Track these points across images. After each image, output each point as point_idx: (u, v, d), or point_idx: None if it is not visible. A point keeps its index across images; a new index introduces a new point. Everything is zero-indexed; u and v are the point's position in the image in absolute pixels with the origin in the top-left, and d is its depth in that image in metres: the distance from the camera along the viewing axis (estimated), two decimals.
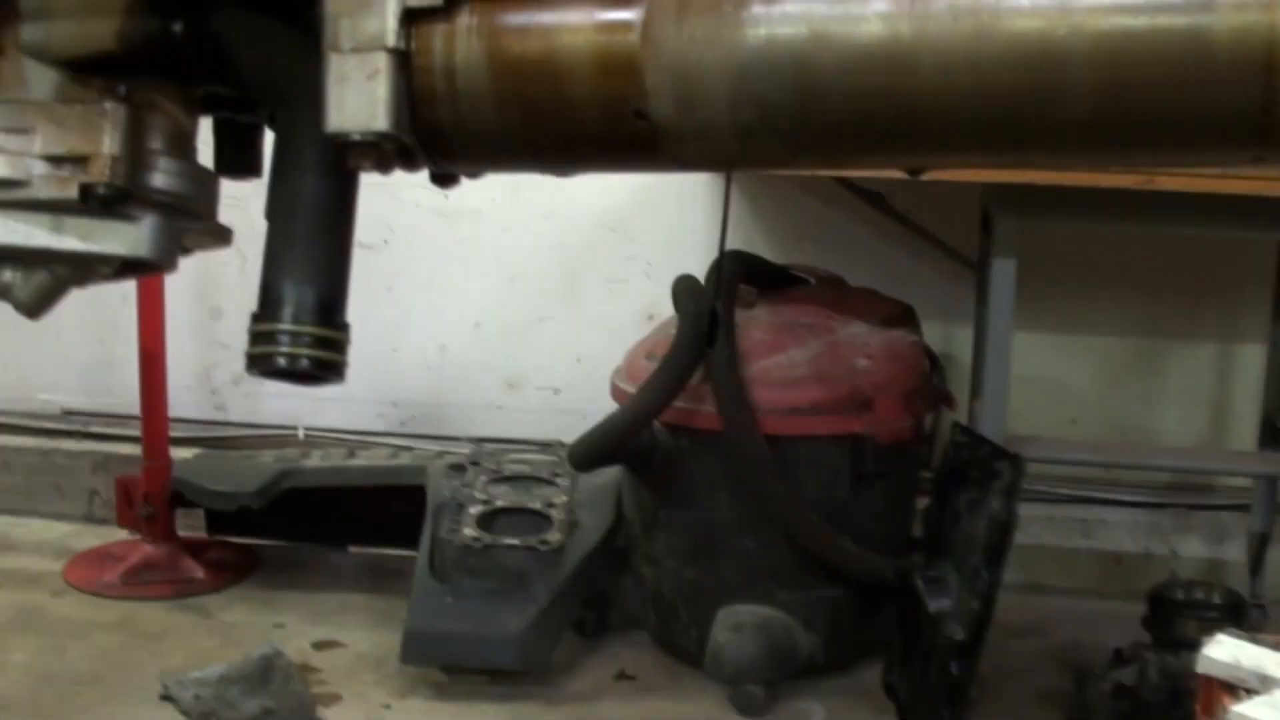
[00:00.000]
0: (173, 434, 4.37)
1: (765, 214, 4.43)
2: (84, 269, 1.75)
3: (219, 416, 4.87)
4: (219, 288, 4.70)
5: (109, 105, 1.70)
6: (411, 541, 3.84)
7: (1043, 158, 1.67)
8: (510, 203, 4.54)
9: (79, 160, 1.68)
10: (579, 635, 3.89)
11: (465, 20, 1.59)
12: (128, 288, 4.33)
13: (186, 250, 1.83)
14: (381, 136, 1.58)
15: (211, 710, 3.37)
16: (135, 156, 1.70)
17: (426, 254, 4.66)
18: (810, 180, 4.21)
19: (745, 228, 4.33)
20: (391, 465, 4.26)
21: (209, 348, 4.80)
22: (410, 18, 1.58)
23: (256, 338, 1.67)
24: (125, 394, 4.59)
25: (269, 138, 1.89)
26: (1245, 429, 4.30)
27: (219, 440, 4.79)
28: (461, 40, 1.59)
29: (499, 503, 3.85)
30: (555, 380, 4.67)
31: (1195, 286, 4.36)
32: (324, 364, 1.67)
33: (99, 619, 3.98)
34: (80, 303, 1.83)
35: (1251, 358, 4.30)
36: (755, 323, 3.67)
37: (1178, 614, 3.38)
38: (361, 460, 4.32)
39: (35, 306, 1.77)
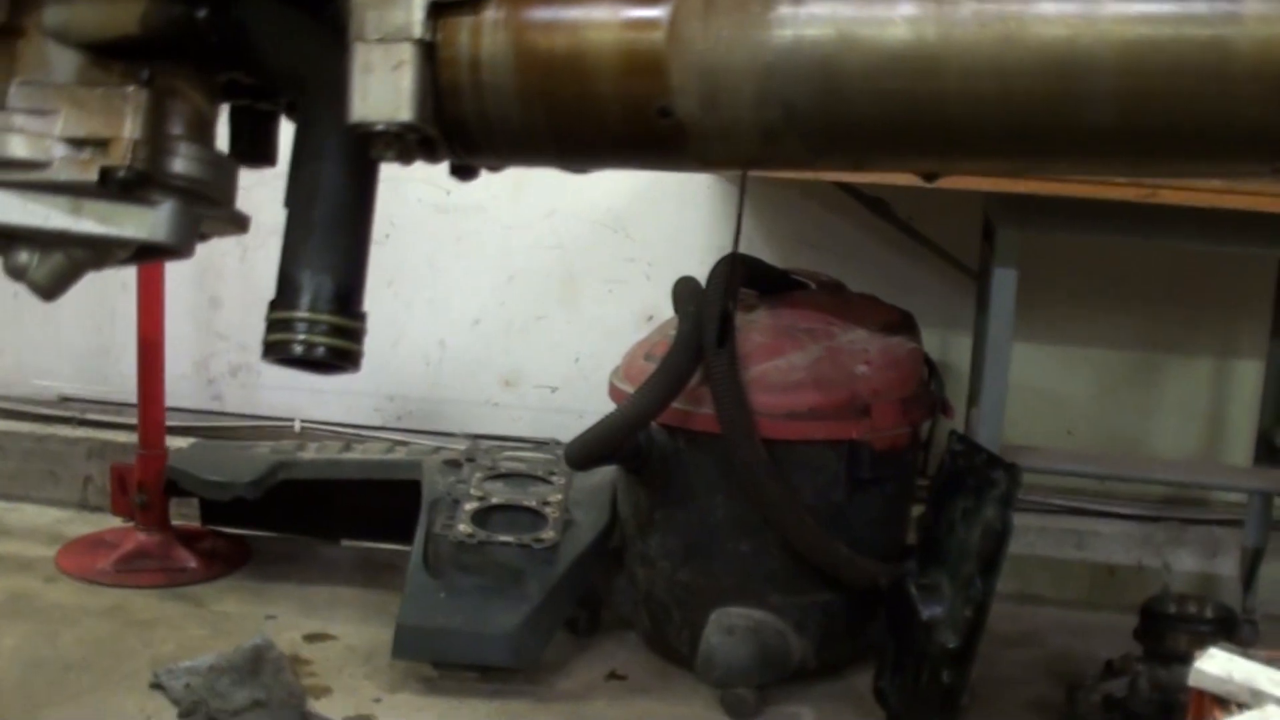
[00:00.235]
0: (169, 423, 4.36)
1: (767, 218, 4.44)
2: (101, 252, 1.75)
3: (216, 406, 4.86)
4: (219, 277, 4.69)
5: (131, 89, 1.70)
6: (405, 536, 3.84)
7: (1064, 165, 1.68)
8: (512, 201, 4.54)
9: (100, 143, 1.68)
10: (571, 634, 3.89)
11: (491, 14, 1.60)
12: (127, 275, 4.33)
13: (204, 236, 1.83)
14: (405, 127, 1.58)
15: (201, 700, 3.37)
16: (156, 141, 1.70)
17: (427, 250, 4.66)
18: (812, 185, 4.21)
19: (747, 231, 4.30)
20: (387, 460, 4.26)
21: (207, 337, 4.79)
22: (437, 10, 1.59)
23: (273, 325, 1.67)
24: (122, 382, 4.59)
25: (286, 127, 1.89)
26: (1241, 444, 4.31)
27: (215, 430, 4.78)
28: (487, 34, 1.59)
29: (494, 499, 3.85)
30: (553, 379, 4.67)
31: (1194, 301, 4.37)
32: (340, 352, 1.68)
33: (91, 606, 3.97)
34: (79, 290, 1.82)
35: (1249, 373, 4.32)
36: (755, 326, 3.68)
37: (1169, 627, 3.39)
38: (357, 454, 4.31)
39: (51, 289, 1.77)
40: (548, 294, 4.65)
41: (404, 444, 4.55)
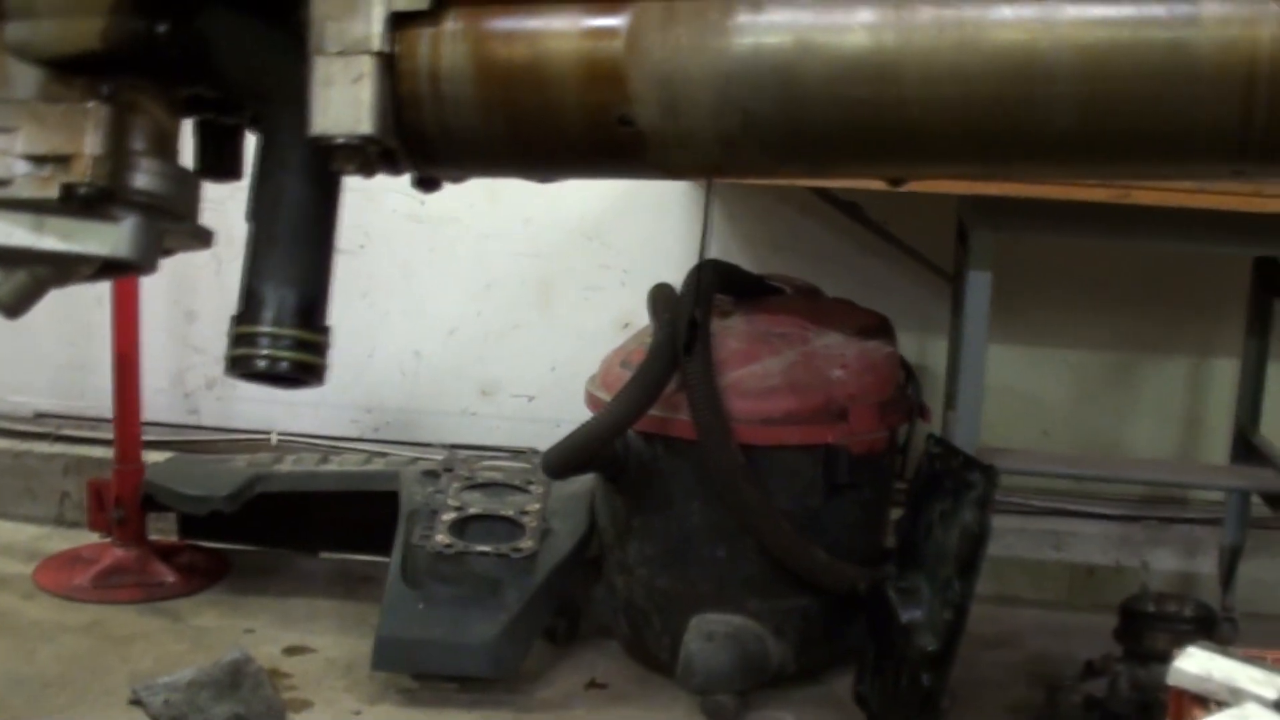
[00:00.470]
0: (145, 437, 4.36)
1: (742, 223, 4.44)
2: (64, 269, 1.74)
3: (192, 420, 4.85)
4: (194, 291, 4.69)
5: (92, 105, 1.69)
6: (383, 547, 3.83)
7: (1026, 168, 1.67)
8: (487, 209, 4.53)
9: (61, 160, 1.67)
10: (550, 643, 3.89)
11: (451, 25, 1.59)
12: (102, 290, 4.32)
13: (168, 251, 1.82)
14: (365, 140, 1.57)
15: (181, 715, 3.36)
16: (118, 157, 1.69)
17: (403, 259, 4.65)
18: (786, 190, 4.21)
19: (722, 237, 4.34)
20: (364, 471, 4.25)
21: (183, 351, 4.78)
22: (396, 22, 1.58)
23: (237, 340, 1.66)
24: (98, 397, 4.58)
25: (250, 141, 1.89)
26: (1218, 443, 4.32)
27: (192, 444, 4.77)
28: (447, 45, 1.59)
29: (472, 510, 3.85)
30: (530, 388, 4.67)
31: (1170, 301, 4.39)
32: (304, 367, 1.67)
33: (69, 622, 3.96)
34: (54, 305, 1.82)
35: (1225, 372, 4.32)
36: (731, 332, 3.68)
37: (1149, 626, 3.40)
38: (334, 466, 4.31)
39: (14, 306, 1.76)
40: (524, 302, 4.64)
41: (381, 455, 4.55)
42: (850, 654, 3.68)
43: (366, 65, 1.57)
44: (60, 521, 4.69)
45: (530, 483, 3.99)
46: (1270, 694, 2.27)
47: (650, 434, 3.63)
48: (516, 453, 4.34)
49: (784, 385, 3.60)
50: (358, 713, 3.56)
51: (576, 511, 3.91)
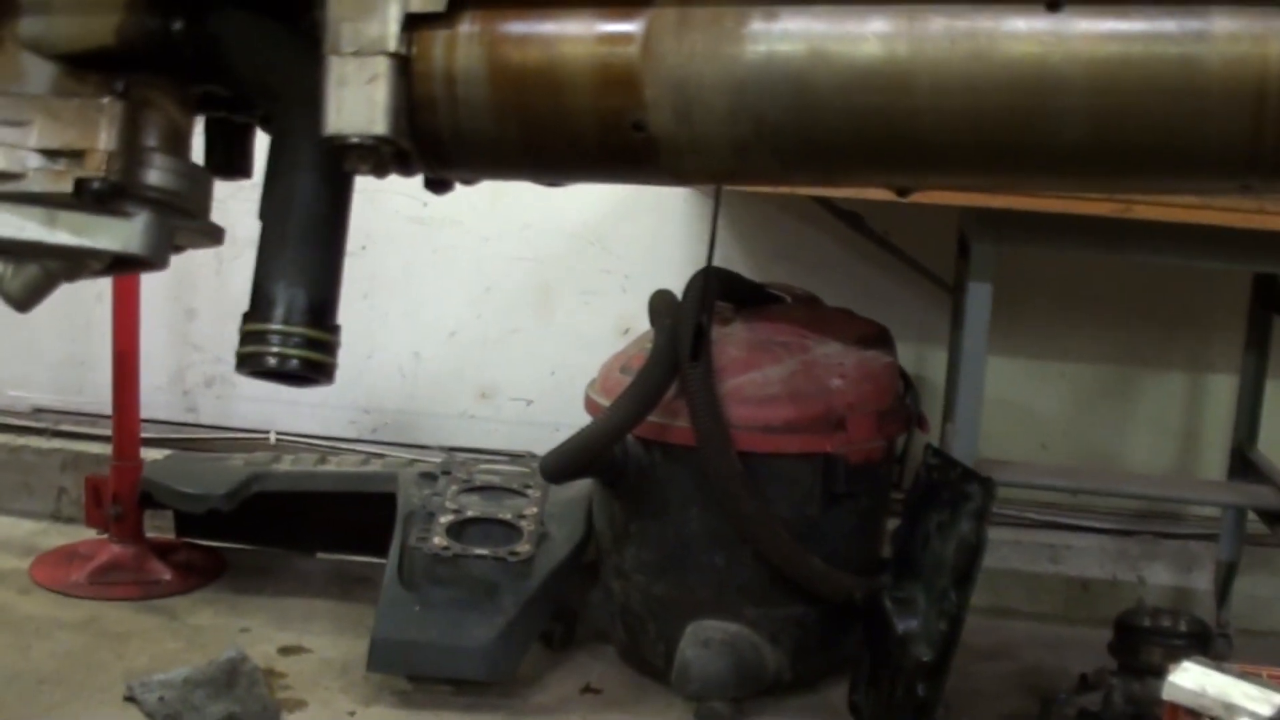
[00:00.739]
0: (144, 434, 4.35)
1: (743, 232, 4.44)
2: (75, 264, 1.75)
3: (190, 418, 4.85)
4: (194, 289, 4.69)
5: (106, 101, 1.69)
6: (380, 549, 3.83)
7: (1035, 181, 1.69)
8: (488, 213, 4.54)
9: (74, 155, 1.68)
10: (546, 647, 3.89)
11: (467, 27, 1.60)
12: (102, 286, 4.32)
13: (179, 248, 1.83)
14: (379, 140, 1.58)
15: (176, 713, 3.37)
16: (131, 153, 1.69)
17: (403, 261, 4.66)
18: (788, 199, 4.22)
19: (723, 245, 4.33)
20: (362, 472, 4.25)
21: (182, 349, 4.78)
22: (412, 23, 1.58)
23: (247, 337, 1.67)
24: (97, 393, 4.58)
25: (261, 139, 1.89)
26: (1215, 458, 4.33)
27: (190, 442, 4.77)
28: (462, 47, 1.59)
29: (469, 512, 3.85)
30: (529, 392, 4.67)
31: (1168, 315, 4.39)
32: (314, 365, 1.68)
33: (64, 618, 3.96)
34: (54, 300, 1.82)
35: (1222, 387, 4.33)
36: (731, 339, 3.68)
37: (1144, 641, 3.40)
38: (332, 466, 4.31)
39: (24, 300, 1.76)
40: (524, 306, 4.65)
41: (379, 456, 4.55)
42: (846, 663, 3.69)
43: (381, 66, 1.58)
44: (57, 517, 4.69)
45: (528, 487, 4.00)
46: (1265, 710, 2.28)
47: (649, 440, 3.63)
48: (515, 456, 4.33)
49: (783, 393, 3.60)
50: (352, 713, 3.56)
51: (574, 516, 3.92)
